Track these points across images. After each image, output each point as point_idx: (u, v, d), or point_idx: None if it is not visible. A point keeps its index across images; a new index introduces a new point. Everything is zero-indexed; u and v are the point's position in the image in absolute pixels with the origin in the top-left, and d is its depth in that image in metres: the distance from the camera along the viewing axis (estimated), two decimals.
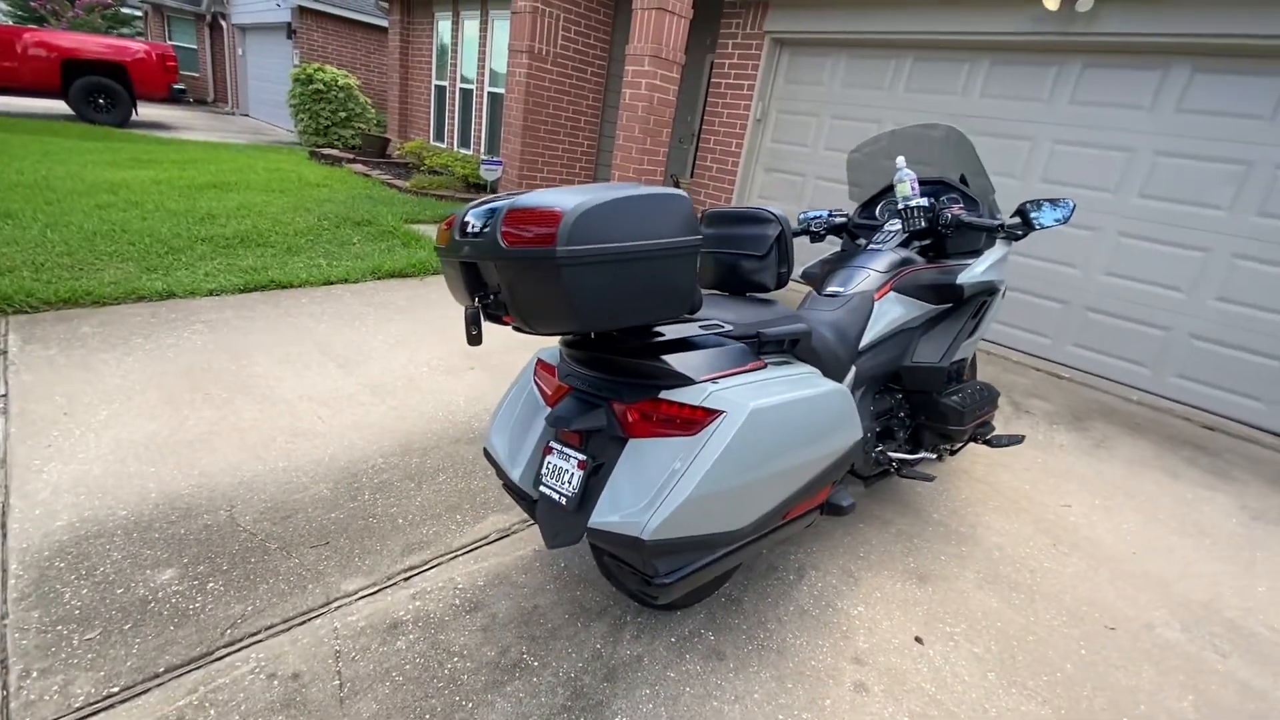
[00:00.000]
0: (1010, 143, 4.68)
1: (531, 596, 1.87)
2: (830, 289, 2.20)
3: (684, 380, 1.43)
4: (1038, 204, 2.24)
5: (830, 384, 1.68)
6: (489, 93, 9.04)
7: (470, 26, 9.22)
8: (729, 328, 1.59)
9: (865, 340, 2.07)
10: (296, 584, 1.79)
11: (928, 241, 2.45)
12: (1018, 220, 2.28)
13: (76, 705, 1.38)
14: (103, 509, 1.96)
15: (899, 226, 2.42)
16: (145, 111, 12.76)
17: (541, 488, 1.58)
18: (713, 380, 1.46)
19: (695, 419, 1.39)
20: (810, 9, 5.56)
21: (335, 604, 1.74)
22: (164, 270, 3.95)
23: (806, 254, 2.44)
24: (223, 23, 17.56)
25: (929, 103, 5.09)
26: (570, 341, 1.60)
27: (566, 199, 1.18)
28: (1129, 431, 3.64)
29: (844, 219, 2.67)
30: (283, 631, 1.63)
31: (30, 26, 12.64)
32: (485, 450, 1.78)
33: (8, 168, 5.95)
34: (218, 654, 1.54)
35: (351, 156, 10.13)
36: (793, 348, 1.71)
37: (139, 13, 18.65)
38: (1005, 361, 4.64)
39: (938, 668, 1.79)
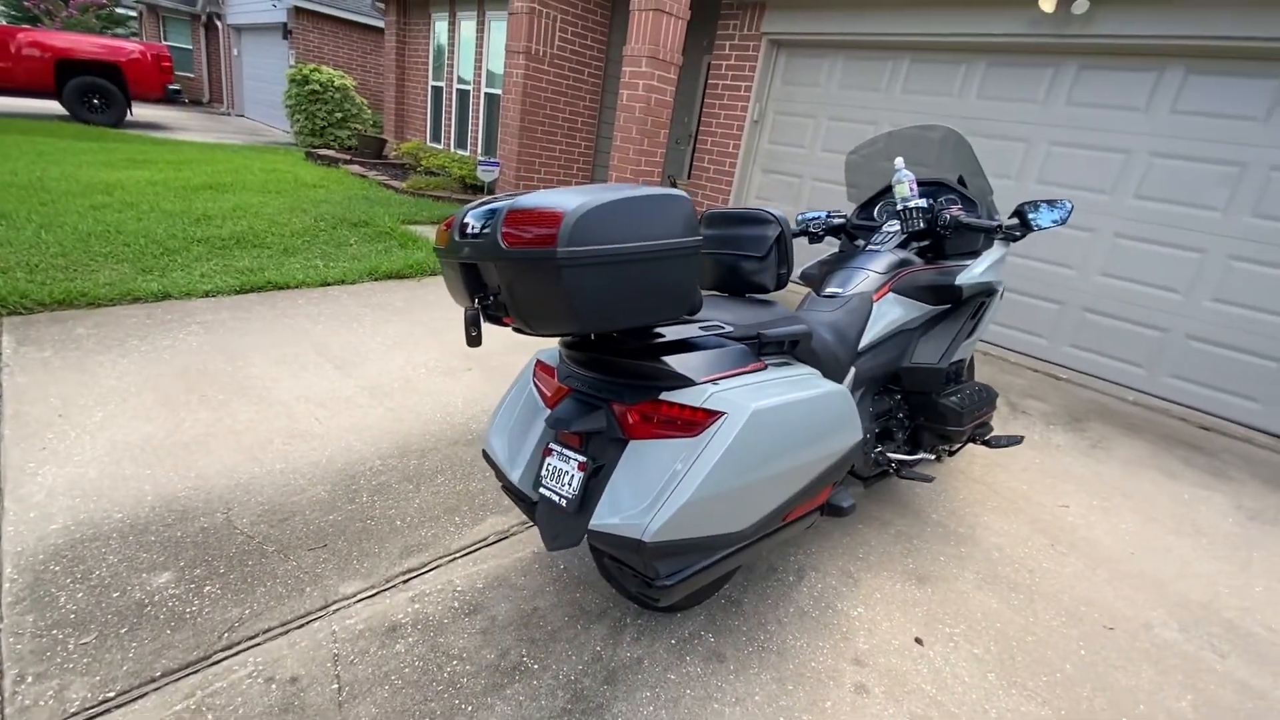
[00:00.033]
0: (1006, 144, 4.69)
1: (531, 599, 1.86)
2: (829, 290, 2.20)
3: (684, 381, 1.43)
4: (1035, 205, 2.25)
5: (831, 385, 1.68)
6: (486, 94, 9.02)
7: (467, 27, 9.21)
8: (729, 329, 1.59)
9: (864, 341, 2.07)
10: (294, 587, 1.78)
11: (926, 243, 2.45)
12: (1016, 221, 2.29)
13: (72, 710, 1.36)
14: (98, 512, 1.95)
15: (897, 227, 2.42)
16: (140, 112, 12.70)
17: (541, 490, 1.57)
18: (713, 381, 1.45)
19: (696, 420, 1.39)
20: (807, 10, 5.57)
21: (333, 607, 1.73)
22: (160, 271, 3.93)
23: (804, 255, 2.44)
24: (218, 23, 17.50)
25: (925, 104, 5.10)
26: (570, 343, 1.60)
27: (567, 200, 1.18)
28: (1126, 432, 3.65)
29: (842, 220, 2.67)
30: (280, 635, 1.62)
31: (24, 26, 12.55)
32: (484, 452, 1.77)
33: (1, 168, 5.91)
34: (215, 658, 1.53)
35: (348, 157, 10.10)
36: (793, 349, 1.71)
37: (134, 13, 18.55)
38: (1002, 362, 4.66)
39: (938, 669, 1.79)
